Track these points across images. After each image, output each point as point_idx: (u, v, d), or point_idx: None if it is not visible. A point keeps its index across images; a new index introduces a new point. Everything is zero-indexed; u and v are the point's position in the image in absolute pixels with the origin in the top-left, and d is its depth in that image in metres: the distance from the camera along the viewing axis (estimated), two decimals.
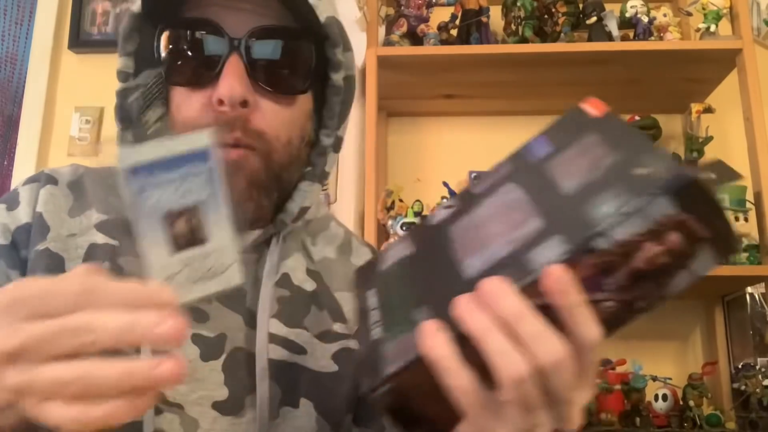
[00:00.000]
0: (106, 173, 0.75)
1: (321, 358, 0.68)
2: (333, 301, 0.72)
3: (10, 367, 0.37)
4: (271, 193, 0.68)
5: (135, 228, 0.41)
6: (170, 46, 0.66)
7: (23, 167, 2.06)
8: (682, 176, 0.40)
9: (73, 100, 2.09)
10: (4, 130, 2.57)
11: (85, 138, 2.05)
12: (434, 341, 0.41)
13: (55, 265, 0.65)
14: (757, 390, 1.52)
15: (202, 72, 0.64)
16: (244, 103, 0.63)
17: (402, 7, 1.77)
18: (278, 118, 0.66)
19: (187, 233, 0.42)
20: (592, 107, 0.51)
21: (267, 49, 0.64)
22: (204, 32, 0.64)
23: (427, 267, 0.52)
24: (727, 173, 0.47)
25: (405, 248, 0.56)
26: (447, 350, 0.41)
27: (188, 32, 0.65)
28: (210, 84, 0.63)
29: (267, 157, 0.66)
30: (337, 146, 0.73)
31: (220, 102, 0.62)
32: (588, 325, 0.41)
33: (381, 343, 0.48)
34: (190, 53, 0.65)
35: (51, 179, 0.71)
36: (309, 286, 0.72)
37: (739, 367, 1.63)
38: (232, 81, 0.62)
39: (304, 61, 0.67)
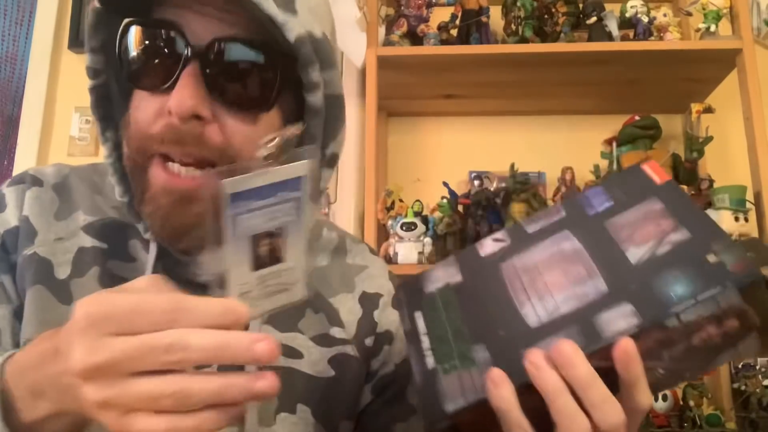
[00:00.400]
0: (91, 172, 0.73)
1: (318, 363, 0.67)
2: (328, 305, 0.71)
3: (92, 381, 0.38)
4: None
5: (223, 246, 0.43)
6: (130, 45, 0.61)
7: (23, 167, 2.04)
8: (752, 273, 0.44)
9: (73, 100, 2.09)
10: (4, 130, 2.57)
11: (85, 138, 2.05)
12: (501, 391, 0.44)
13: (44, 269, 0.64)
14: (757, 390, 1.52)
15: (160, 77, 0.59)
16: (198, 117, 0.58)
17: (402, 7, 1.77)
18: (241, 134, 0.60)
19: (268, 254, 0.45)
20: (654, 171, 0.54)
21: (228, 61, 0.58)
22: (165, 35, 0.59)
23: (480, 302, 0.53)
24: (765, 253, 0.49)
25: (452, 275, 0.57)
26: (513, 402, 0.44)
27: (149, 32, 0.60)
28: (168, 90, 0.58)
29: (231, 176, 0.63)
30: (331, 162, 0.68)
31: (170, 112, 0.57)
32: (644, 394, 0.44)
33: (437, 374, 0.50)
34: (149, 55, 0.60)
35: (36, 181, 0.69)
36: None
37: (739, 367, 1.63)
38: (184, 93, 0.57)
39: (269, 77, 0.60)
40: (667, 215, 0.50)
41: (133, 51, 0.61)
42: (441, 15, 1.80)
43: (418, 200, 1.75)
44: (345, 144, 0.72)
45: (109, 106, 0.66)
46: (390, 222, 1.69)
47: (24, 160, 2.07)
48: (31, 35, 2.23)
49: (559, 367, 0.44)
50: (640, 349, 0.44)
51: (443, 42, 1.74)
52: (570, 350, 0.44)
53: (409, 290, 0.59)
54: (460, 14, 1.77)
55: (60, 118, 2.10)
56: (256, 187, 0.43)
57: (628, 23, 1.74)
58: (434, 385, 0.49)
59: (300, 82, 0.62)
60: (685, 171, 1.69)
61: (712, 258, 0.46)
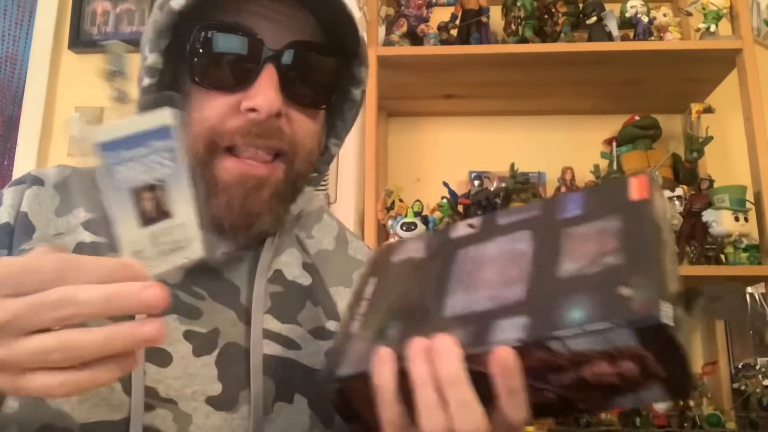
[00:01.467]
0: (93, 172, 0.75)
1: (314, 355, 0.68)
2: (328, 297, 0.73)
3: None
4: (288, 204, 0.69)
5: (105, 203, 0.43)
6: (206, 47, 0.65)
7: (23, 167, 2.06)
8: (650, 318, 0.39)
9: (73, 99, 2.09)
10: (4, 130, 2.57)
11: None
12: (382, 370, 0.46)
13: None
14: (757, 390, 1.52)
15: (236, 78, 0.64)
16: (278, 114, 0.63)
17: (402, 7, 1.77)
18: (305, 129, 0.67)
19: (153, 208, 0.44)
20: (638, 187, 0.50)
21: (300, 63, 0.65)
22: (243, 39, 0.64)
23: (424, 281, 0.54)
24: (732, 302, 0.46)
25: (417, 249, 0.59)
26: (390, 383, 0.46)
27: (227, 36, 0.65)
28: (240, 90, 0.64)
29: (290, 166, 0.67)
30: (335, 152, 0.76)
31: (252, 110, 0.62)
32: (518, 409, 0.44)
33: (353, 339, 0.52)
34: (225, 57, 0.65)
35: (37, 180, 0.71)
36: (305, 280, 0.72)
37: (739, 367, 1.63)
38: (270, 92, 0.63)
39: (331, 77, 0.69)
40: (616, 236, 0.47)
41: (209, 52, 0.65)
42: (441, 15, 1.80)
43: (418, 200, 1.75)
44: (345, 144, 0.77)
45: (153, 106, 0.67)
46: (390, 222, 1.69)
47: (24, 160, 2.07)
48: (31, 35, 2.23)
49: (432, 359, 0.44)
50: (525, 365, 0.43)
51: (443, 42, 1.74)
52: (445, 346, 0.44)
53: (381, 256, 0.60)
54: (460, 14, 1.78)
55: (60, 118, 2.10)
56: (125, 137, 0.43)
57: (628, 23, 1.74)
58: (344, 349, 0.51)
59: (342, 77, 0.70)
60: (685, 171, 1.69)
61: (625, 291, 0.42)
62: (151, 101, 0.67)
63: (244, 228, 0.67)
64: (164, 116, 0.44)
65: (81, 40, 2.14)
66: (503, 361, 0.43)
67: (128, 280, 0.40)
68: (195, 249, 0.46)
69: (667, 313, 0.40)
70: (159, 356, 0.62)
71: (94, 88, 2.08)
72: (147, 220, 0.44)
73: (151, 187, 0.44)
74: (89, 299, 0.39)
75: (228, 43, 0.65)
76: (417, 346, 0.45)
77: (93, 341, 0.39)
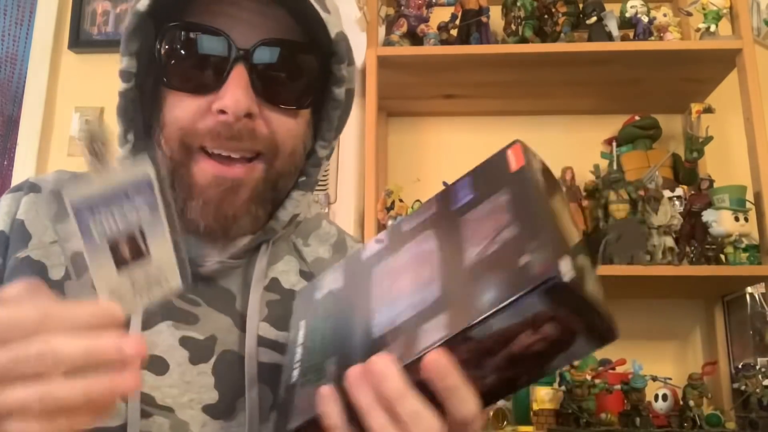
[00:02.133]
0: None
1: None
2: None
3: None
4: (266, 204, 0.68)
5: (84, 255, 0.45)
6: (174, 49, 0.64)
7: (23, 167, 2.06)
8: (550, 279, 0.40)
9: (73, 99, 2.09)
10: (4, 130, 2.57)
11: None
12: (327, 408, 0.46)
13: (37, 272, 0.64)
14: (757, 390, 1.52)
15: (205, 79, 0.63)
16: (248, 115, 0.62)
17: (402, 7, 1.77)
18: (284, 129, 0.65)
19: (129, 252, 0.45)
20: (514, 157, 0.51)
21: (273, 61, 0.63)
22: (211, 39, 0.63)
23: (349, 309, 0.54)
24: (634, 233, 0.47)
25: (335, 280, 0.58)
26: (337, 420, 0.45)
27: (195, 36, 0.63)
28: (211, 91, 0.62)
29: (270, 166, 0.65)
30: (329, 155, 0.73)
31: (222, 112, 0.61)
32: (466, 403, 0.44)
33: (295, 388, 0.51)
34: (194, 58, 0.63)
35: (34, 187, 0.70)
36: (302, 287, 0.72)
37: (739, 367, 1.63)
38: (237, 92, 0.61)
39: (309, 75, 0.66)
40: (506, 210, 0.47)
41: (177, 54, 0.64)
42: (441, 15, 1.80)
43: (418, 200, 1.75)
44: (345, 144, 0.75)
45: (132, 110, 0.67)
46: (390, 222, 1.69)
47: (24, 160, 2.07)
48: (31, 35, 2.23)
49: (372, 382, 0.44)
50: (458, 359, 0.43)
51: (443, 42, 1.74)
52: (381, 365, 0.44)
53: (303, 297, 0.59)
54: (460, 14, 1.78)
55: (60, 118, 2.10)
56: (103, 194, 0.44)
57: (628, 23, 1.74)
58: (290, 400, 0.50)
59: (326, 76, 0.68)
60: (685, 171, 1.69)
61: (524, 259, 0.42)
62: (127, 108, 0.66)
63: (221, 231, 0.65)
64: (144, 169, 0.45)
65: (81, 40, 2.13)
66: (434, 364, 0.43)
67: (107, 325, 0.41)
68: (173, 281, 0.47)
69: (565, 268, 0.40)
70: (156, 364, 0.62)
71: (94, 88, 2.08)
72: (123, 263, 0.45)
73: (129, 235, 0.45)
74: (69, 354, 0.39)
75: (196, 44, 0.63)
76: (353, 374, 0.45)
77: (72, 394, 0.39)
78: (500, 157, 0.52)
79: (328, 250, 0.76)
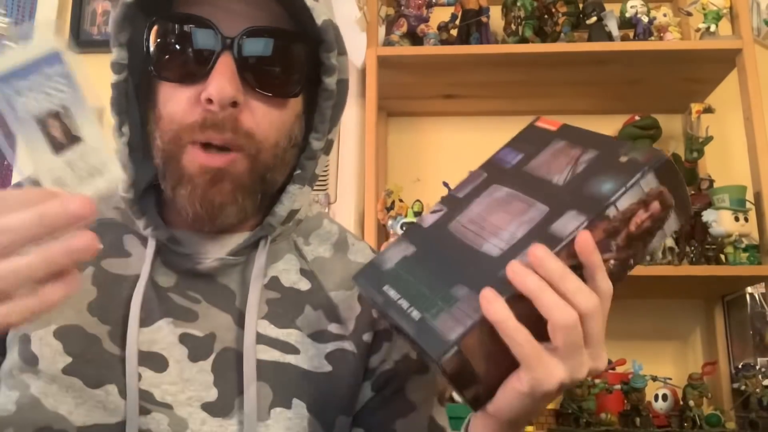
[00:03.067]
0: None
1: (314, 358, 0.68)
2: (328, 301, 0.72)
3: None
4: (254, 196, 0.67)
5: (15, 137, 0.45)
6: (161, 40, 0.64)
7: (23, 167, 2.06)
8: (661, 157, 0.52)
9: None
10: (4, 130, 2.57)
11: None
12: (495, 306, 0.48)
13: None
14: (757, 390, 1.52)
15: (192, 69, 0.63)
16: (234, 104, 0.62)
17: (402, 7, 1.77)
18: (268, 120, 0.65)
19: (62, 134, 0.45)
20: (547, 123, 0.61)
21: (259, 50, 0.63)
22: (197, 29, 0.63)
23: (442, 258, 0.56)
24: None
25: (404, 249, 0.59)
26: (507, 312, 0.48)
27: (181, 27, 0.64)
28: (199, 81, 0.62)
29: (254, 159, 0.65)
30: (327, 149, 0.72)
31: (209, 101, 0.61)
32: (605, 281, 0.50)
33: (426, 321, 0.52)
34: (180, 48, 0.63)
35: (35, 183, 0.70)
36: (303, 285, 0.71)
37: (739, 367, 1.63)
38: (222, 81, 0.61)
39: (297, 64, 0.66)
40: (573, 146, 0.57)
41: (164, 45, 0.64)
42: (441, 15, 1.80)
43: (418, 200, 1.75)
44: (345, 144, 0.74)
45: (126, 102, 0.67)
46: (390, 222, 1.69)
47: (24, 160, 2.07)
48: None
49: (535, 267, 0.48)
50: (595, 240, 0.50)
51: (443, 42, 1.74)
52: (541, 250, 0.49)
53: (369, 274, 0.60)
54: (460, 14, 1.78)
55: None
56: (16, 68, 0.43)
57: (628, 23, 1.74)
58: (428, 330, 0.51)
59: (317, 66, 0.67)
60: (685, 171, 1.69)
61: (623, 158, 0.53)
62: (121, 100, 0.66)
63: (208, 219, 0.65)
64: (50, 42, 0.44)
65: (81, 40, 2.14)
66: (585, 240, 0.49)
67: (82, 204, 0.42)
68: (113, 171, 0.46)
69: (661, 153, 0.52)
70: (155, 361, 0.62)
71: (95, 88, 2.08)
72: (59, 147, 0.45)
73: (56, 114, 0.44)
74: (21, 223, 0.40)
75: (182, 34, 0.63)
76: (516, 266, 0.49)
77: (32, 263, 0.40)
78: (531, 129, 0.62)
79: (328, 249, 0.76)
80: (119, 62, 0.66)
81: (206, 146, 0.63)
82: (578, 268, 0.50)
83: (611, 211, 0.51)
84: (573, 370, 0.49)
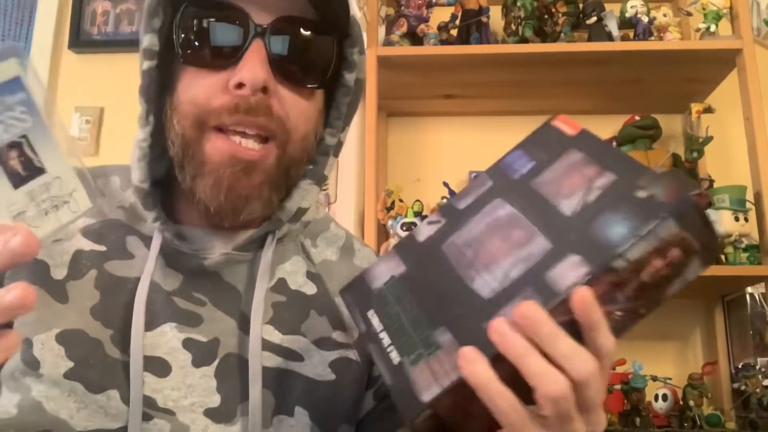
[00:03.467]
0: (94, 174, 0.73)
1: (318, 366, 0.67)
2: (333, 307, 0.71)
3: None
4: (280, 190, 0.67)
5: None
6: (192, 26, 0.64)
7: None
8: (685, 200, 0.44)
9: (73, 99, 2.09)
10: None
11: (85, 138, 2.05)
12: (476, 367, 0.43)
13: (40, 271, 0.64)
14: (757, 390, 1.52)
15: (223, 54, 0.63)
16: (265, 90, 0.61)
17: (402, 7, 1.77)
18: (297, 109, 0.65)
19: (22, 166, 0.42)
20: (565, 124, 0.54)
21: (291, 40, 0.63)
22: (229, 15, 0.63)
23: (430, 286, 0.52)
24: (686, 184, 0.49)
25: (395, 266, 0.56)
26: (489, 374, 0.43)
27: (213, 13, 0.63)
28: (228, 68, 0.62)
29: (283, 150, 0.64)
30: (336, 150, 0.72)
31: (239, 85, 0.61)
32: (607, 338, 0.44)
33: (405, 367, 0.49)
34: (212, 35, 0.63)
35: None
36: (309, 289, 0.71)
37: (739, 367, 1.63)
38: (255, 65, 0.61)
39: (325, 56, 0.66)
40: (589, 163, 0.50)
41: (195, 30, 0.63)
42: (441, 15, 1.80)
43: (418, 200, 1.75)
44: (345, 144, 0.74)
45: (155, 90, 0.66)
46: (390, 222, 1.69)
47: None
48: (31, 35, 2.22)
49: (523, 328, 0.43)
50: (595, 295, 0.44)
51: (443, 42, 1.74)
52: (532, 310, 0.43)
53: (356, 291, 0.58)
54: (460, 14, 1.78)
55: (60, 118, 2.10)
56: None
57: (628, 23, 1.74)
58: (405, 380, 0.48)
59: (338, 62, 0.67)
60: (685, 171, 1.69)
61: (642, 194, 0.46)
62: (150, 88, 0.65)
63: (231, 213, 0.64)
64: (10, 68, 0.42)
65: (81, 40, 2.13)
66: (583, 298, 0.43)
67: (23, 242, 0.40)
68: (80, 201, 0.44)
69: (687, 193, 0.45)
70: (158, 366, 0.62)
71: (94, 88, 2.09)
72: (20, 179, 0.42)
73: (15, 145, 0.42)
74: None
75: (214, 20, 0.63)
76: (500, 325, 0.44)
77: None
78: (547, 129, 0.55)
79: (335, 253, 0.76)
80: (151, 48, 0.65)
81: (242, 134, 0.62)
82: (576, 322, 0.44)
83: (619, 263, 0.44)
84: None
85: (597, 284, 0.44)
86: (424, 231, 0.57)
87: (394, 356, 0.50)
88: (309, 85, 0.66)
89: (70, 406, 0.59)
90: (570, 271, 0.45)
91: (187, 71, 0.64)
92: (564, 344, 0.43)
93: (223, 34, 0.63)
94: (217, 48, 0.63)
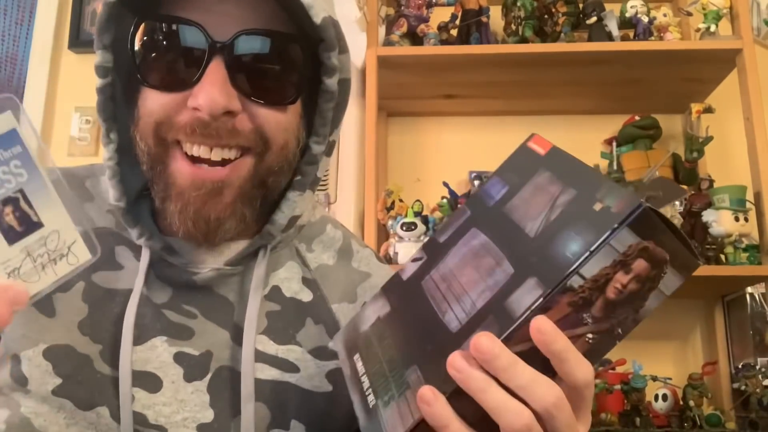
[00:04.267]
0: (83, 177, 0.71)
1: (315, 377, 0.65)
2: (330, 315, 0.69)
3: None
4: (254, 202, 0.63)
5: None
6: (146, 43, 0.60)
7: None
8: (637, 207, 0.42)
9: (73, 99, 2.09)
10: None
11: (85, 138, 2.05)
12: (433, 409, 0.41)
13: None
14: (757, 390, 1.52)
15: (181, 75, 0.59)
16: (229, 112, 0.58)
17: (402, 7, 1.77)
18: (273, 122, 0.61)
19: (18, 221, 0.42)
20: (538, 145, 0.53)
21: (254, 54, 0.59)
22: (184, 32, 0.58)
23: (407, 325, 0.52)
24: (672, 190, 0.47)
25: (381, 308, 0.56)
26: (448, 415, 0.41)
27: (168, 29, 0.59)
28: (188, 88, 0.58)
29: (260, 159, 0.62)
30: (329, 150, 0.68)
31: (196, 109, 0.58)
32: (579, 365, 0.42)
33: (378, 411, 0.48)
34: (167, 53, 0.59)
35: None
36: (305, 296, 0.68)
37: (739, 367, 1.63)
38: (213, 90, 0.57)
39: (295, 67, 0.61)
40: (554, 181, 0.49)
41: (150, 48, 0.60)
42: (441, 15, 1.80)
43: (418, 200, 1.75)
44: (345, 144, 0.72)
45: (113, 107, 0.64)
46: (390, 222, 1.69)
47: None
48: (31, 35, 2.23)
49: (480, 362, 0.41)
50: (558, 319, 0.42)
51: (443, 42, 1.74)
52: (485, 342, 0.41)
53: (346, 335, 0.58)
54: (460, 14, 1.77)
55: (60, 118, 2.10)
56: None
57: (628, 23, 1.74)
58: (377, 423, 0.47)
59: (316, 66, 0.63)
60: (685, 171, 1.69)
61: (597, 206, 0.44)
62: (106, 105, 0.63)
63: (202, 237, 0.62)
64: (4, 121, 0.41)
65: (81, 40, 2.14)
66: (539, 328, 0.41)
67: (9, 301, 0.39)
68: (79, 253, 0.43)
69: (642, 199, 0.42)
70: (148, 380, 0.60)
71: (94, 88, 2.08)
72: (15, 235, 0.41)
73: (11, 201, 0.41)
74: None
75: (170, 38, 0.59)
76: (457, 360, 0.42)
77: None
78: (522, 151, 0.54)
79: (332, 257, 0.73)
80: (103, 65, 0.62)
81: (196, 158, 0.59)
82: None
83: (576, 281, 0.42)
84: None
85: (556, 306, 0.42)
86: (408, 269, 0.57)
87: (371, 399, 0.50)
88: (280, 101, 0.61)
89: (60, 422, 0.57)
90: (526, 296, 0.43)
91: (146, 89, 0.61)
92: (522, 375, 0.41)
93: (181, 52, 0.59)
94: (173, 68, 0.59)
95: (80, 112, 2.08)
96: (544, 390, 0.41)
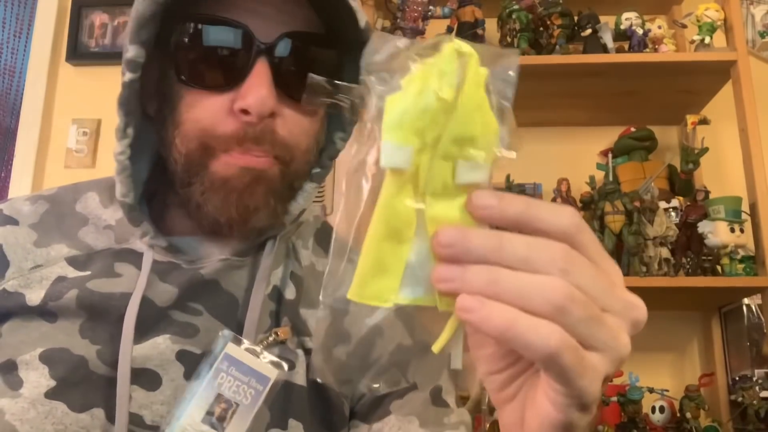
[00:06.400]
0: (72, 198, 0.71)
1: (306, 371, 0.65)
2: (297, 315, 0.68)
3: None
4: (285, 201, 0.65)
5: (196, 383, 0.60)
6: (191, 43, 0.61)
7: (20, 179, 2.06)
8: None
9: (71, 111, 2.10)
10: (1, 142, 2.57)
11: (82, 150, 2.05)
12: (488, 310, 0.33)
13: (14, 302, 0.62)
14: (755, 402, 1.51)
15: (225, 75, 0.60)
16: (272, 115, 0.59)
17: (398, 20, 1.78)
18: (300, 128, 0.63)
19: (218, 415, 0.58)
20: None
21: (296, 56, 0.61)
22: (231, 32, 0.59)
23: None
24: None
25: None
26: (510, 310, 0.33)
27: (213, 30, 0.60)
28: (232, 88, 0.60)
29: (286, 167, 0.63)
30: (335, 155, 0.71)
31: (245, 111, 0.58)
32: (554, 211, 0.35)
33: None
34: (213, 53, 0.60)
35: (10, 220, 0.68)
36: (290, 293, 0.68)
37: (737, 378, 1.63)
38: (261, 90, 0.58)
39: (332, 69, 0.63)
40: None
41: (194, 48, 0.61)
42: (437, 27, 1.81)
43: None
44: (341, 156, 0.72)
45: (135, 103, 0.63)
46: None
47: (21, 172, 2.07)
48: (29, 47, 2.24)
49: (458, 255, 0.33)
50: None
51: None
52: (450, 233, 0.34)
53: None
54: (455, 27, 1.78)
55: (57, 130, 2.11)
56: (243, 363, 0.59)
57: (623, 35, 1.75)
58: None
59: (344, 68, 0.64)
60: (681, 182, 1.69)
61: None
62: (130, 100, 0.62)
63: (241, 223, 0.63)
64: (271, 371, 0.59)
65: (79, 53, 2.14)
66: (479, 200, 0.35)
67: None
68: None
69: None
70: (147, 378, 0.60)
71: (92, 101, 2.09)
72: (208, 418, 0.57)
73: (228, 401, 0.58)
74: None
75: (216, 38, 0.60)
76: (442, 272, 0.34)
77: None
78: None
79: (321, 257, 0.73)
80: (136, 60, 0.60)
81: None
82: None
83: None
84: (610, 352, 0.35)
85: None
86: None
87: None
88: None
89: (47, 429, 0.56)
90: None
91: (187, 88, 0.62)
92: (516, 245, 0.33)
93: (226, 53, 0.60)
94: (219, 68, 0.60)
95: (77, 124, 2.08)
96: (547, 246, 0.33)
